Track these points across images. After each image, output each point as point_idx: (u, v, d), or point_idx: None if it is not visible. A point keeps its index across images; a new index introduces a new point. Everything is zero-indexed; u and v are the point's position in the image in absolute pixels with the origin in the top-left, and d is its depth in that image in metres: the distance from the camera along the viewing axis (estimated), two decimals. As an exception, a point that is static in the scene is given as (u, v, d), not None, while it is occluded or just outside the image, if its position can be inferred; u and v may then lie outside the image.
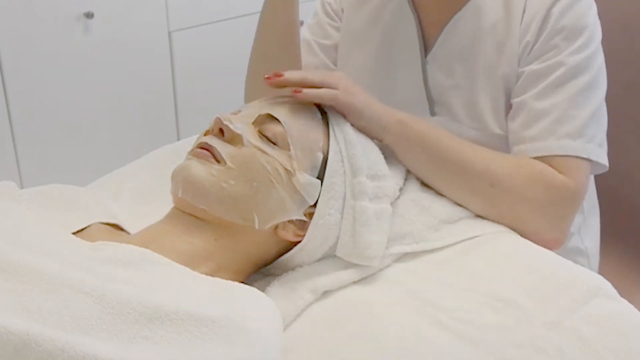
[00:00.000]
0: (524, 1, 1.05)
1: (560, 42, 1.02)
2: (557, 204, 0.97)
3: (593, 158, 1.00)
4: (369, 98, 0.98)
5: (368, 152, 0.93)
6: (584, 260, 1.22)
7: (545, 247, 0.94)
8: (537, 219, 0.97)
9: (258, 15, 1.22)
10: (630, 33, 1.35)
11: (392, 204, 0.94)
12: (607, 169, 1.04)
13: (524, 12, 1.05)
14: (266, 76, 0.93)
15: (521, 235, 0.96)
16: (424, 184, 1.01)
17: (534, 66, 1.03)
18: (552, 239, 0.97)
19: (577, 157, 0.99)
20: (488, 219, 0.98)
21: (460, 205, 0.99)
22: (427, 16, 1.14)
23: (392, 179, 0.95)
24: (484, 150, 0.99)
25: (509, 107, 1.08)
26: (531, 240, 0.95)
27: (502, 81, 1.07)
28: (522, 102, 1.03)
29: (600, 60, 1.05)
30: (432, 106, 1.14)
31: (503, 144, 1.08)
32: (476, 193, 0.97)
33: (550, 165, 0.98)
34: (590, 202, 1.24)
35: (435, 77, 1.13)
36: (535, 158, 0.99)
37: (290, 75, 0.94)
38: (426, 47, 1.14)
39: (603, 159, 1.02)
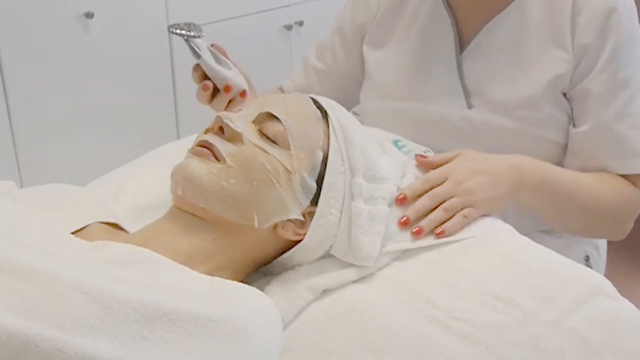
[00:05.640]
0: (571, 2, 1.09)
1: (624, 53, 1.08)
2: (635, 217, 1.12)
3: None
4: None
5: (367, 153, 0.93)
6: (594, 251, 1.28)
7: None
8: (620, 233, 1.13)
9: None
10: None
11: (389, 204, 0.94)
12: None
13: (572, 12, 1.09)
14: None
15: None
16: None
17: (603, 77, 1.09)
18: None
19: None
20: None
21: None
22: (464, 16, 1.17)
23: (390, 180, 0.95)
24: (590, 179, 1.09)
25: (557, 103, 1.13)
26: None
27: (551, 82, 1.11)
28: (605, 124, 1.10)
29: None
30: (469, 97, 1.16)
31: (539, 134, 1.13)
32: (580, 220, 1.09)
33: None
34: None
35: (473, 69, 1.16)
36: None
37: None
38: (462, 46, 1.17)
39: None
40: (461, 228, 0.94)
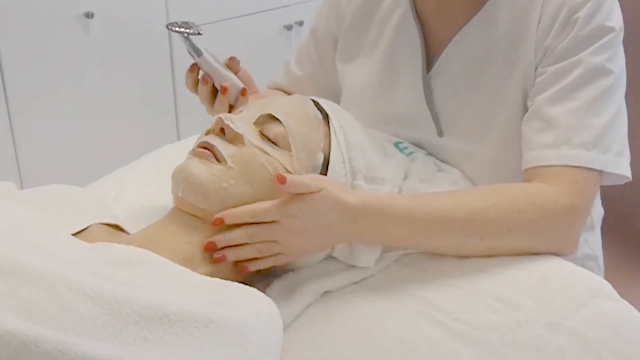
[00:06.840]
0: (540, 8, 1.00)
1: (584, 44, 0.96)
2: (555, 225, 0.92)
3: (607, 169, 0.94)
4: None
5: (368, 154, 0.93)
6: (593, 264, 1.20)
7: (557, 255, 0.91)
8: (540, 244, 0.92)
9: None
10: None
11: None
12: (629, 179, 0.97)
13: (540, 17, 0.99)
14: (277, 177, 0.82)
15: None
16: (422, 184, 1.01)
17: (554, 67, 0.98)
18: (562, 252, 0.93)
19: (588, 168, 0.93)
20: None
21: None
22: (432, 30, 1.09)
23: (391, 182, 0.95)
24: (468, 196, 0.92)
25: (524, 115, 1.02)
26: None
27: (518, 91, 1.02)
28: (536, 107, 0.98)
29: (621, 61, 0.99)
30: (439, 125, 1.09)
31: (516, 160, 1.01)
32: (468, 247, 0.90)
33: (559, 175, 0.93)
34: (598, 215, 1.24)
35: (441, 93, 1.08)
36: (546, 166, 0.95)
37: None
38: (430, 62, 1.09)
39: (621, 169, 0.96)
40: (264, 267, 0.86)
